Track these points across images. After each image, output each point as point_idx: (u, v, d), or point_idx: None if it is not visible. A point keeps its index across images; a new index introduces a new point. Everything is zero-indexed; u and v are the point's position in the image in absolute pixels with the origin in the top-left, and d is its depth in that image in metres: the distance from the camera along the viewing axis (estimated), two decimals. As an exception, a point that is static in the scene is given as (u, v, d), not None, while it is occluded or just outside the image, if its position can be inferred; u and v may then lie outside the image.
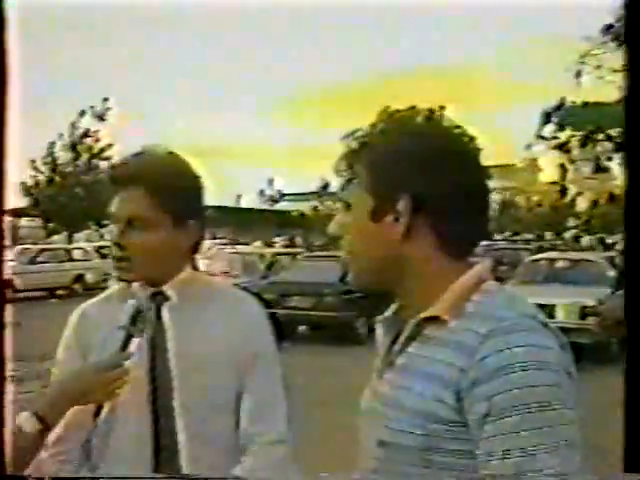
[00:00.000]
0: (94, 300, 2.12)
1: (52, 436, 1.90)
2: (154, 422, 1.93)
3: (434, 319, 1.35)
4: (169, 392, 1.93)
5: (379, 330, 1.52)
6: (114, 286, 2.10)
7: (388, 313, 1.51)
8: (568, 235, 39.73)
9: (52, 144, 35.99)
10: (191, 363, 1.93)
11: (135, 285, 2.01)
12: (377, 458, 1.37)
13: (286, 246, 32.35)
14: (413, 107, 1.45)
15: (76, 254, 25.45)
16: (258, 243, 28.95)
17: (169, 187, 1.90)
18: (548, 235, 40.93)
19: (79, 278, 23.96)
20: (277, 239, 38.59)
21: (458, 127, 1.43)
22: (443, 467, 1.28)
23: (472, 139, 1.42)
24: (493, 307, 1.32)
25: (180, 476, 1.91)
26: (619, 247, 26.53)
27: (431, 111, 1.44)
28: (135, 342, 1.81)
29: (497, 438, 1.22)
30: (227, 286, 2.28)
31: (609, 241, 33.77)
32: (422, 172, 1.35)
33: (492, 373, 1.23)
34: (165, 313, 1.98)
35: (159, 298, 1.99)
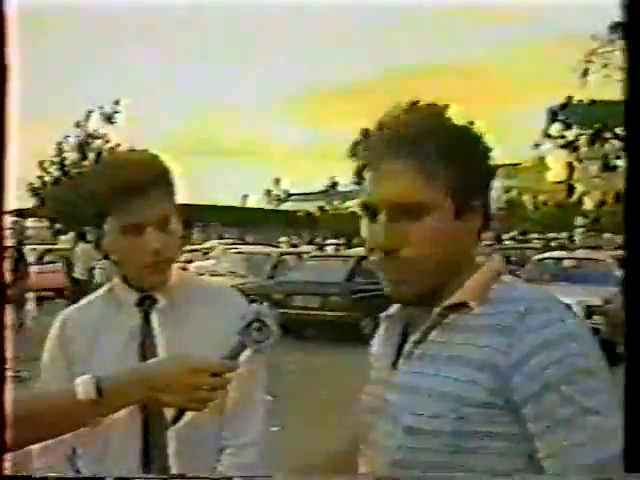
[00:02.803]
0: (77, 305, 2.07)
1: (38, 447, 1.83)
2: (143, 427, 1.89)
3: (458, 306, 1.36)
4: None
5: (384, 326, 1.53)
6: (99, 290, 2.06)
7: (393, 310, 1.51)
8: (575, 234, 39.67)
9: (60, 144, 36.09)
10: None
11: (120, 288, 1.97)
12: (402, 447, 1.34)
13: (292, 246, 32.38)
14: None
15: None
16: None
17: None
18: (555, 234, 40.85)
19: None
20: (283, 238, 38.64)
21: None
22: (473, 452, 1.28)
23: None
24: (519, 291, 1.37)
25: (181, 475, 1.87)
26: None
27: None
28: (246, 354, 1.58)
29: (552, 410, 1.24)
30: (217, 286, 2.22)
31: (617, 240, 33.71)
32: (489, 172, 1.42)
33: (538, 348, 1.25)
34: (154, 318, 1.94)
35: (147, 302, 1.95)
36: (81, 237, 17.85)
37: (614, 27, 20.47)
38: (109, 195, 1.84)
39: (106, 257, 1.96)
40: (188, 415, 1.56)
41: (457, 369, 1.30)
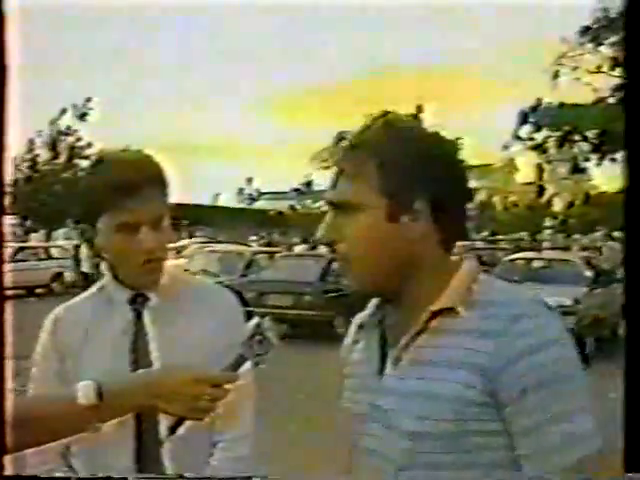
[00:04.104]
0: (70, 302, 2.08)
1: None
2: (136, 425, 1.90)
3: (443, 311, 1.39)
4: None
5: (359, 334, 1.56)
6: (91, 288, 2.07)
7: (366, 317, 1.55)
8: (544, 235, 39.98)
9: (31, 141, 35.74)
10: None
11: (112, 287, 1.99)
12: (406, 451, 1.38)
13: (264, 245, 32.29)
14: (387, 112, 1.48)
15: (54, 252, 25.27)
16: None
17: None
18: (525, 235, 41.14)
19: (58, 276, 23.80)
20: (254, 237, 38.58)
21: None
22: (476, 449, 1.34)
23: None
24: (505, 293, 1.42)
25: (179, 475, 1.86)
26: (597, 246, 26.75)
27: (415, 115, 1.50)
28: (246, 366, 1.57)
29: (533, 412, 1.30)
30: (207, 284, 2.25)
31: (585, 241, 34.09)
32: (438, 174, 1.41)
33: (525, 353, 1.31)
34: (146, 315, 1.96)
35: (139, 300, 1.97)
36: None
37: (584, 31, 20.67)
38: (104, 193, 1.83)
39: (99, 255, 1.96)
40: (188, 423, 1.56)
41: (450, 372, 1.34)
